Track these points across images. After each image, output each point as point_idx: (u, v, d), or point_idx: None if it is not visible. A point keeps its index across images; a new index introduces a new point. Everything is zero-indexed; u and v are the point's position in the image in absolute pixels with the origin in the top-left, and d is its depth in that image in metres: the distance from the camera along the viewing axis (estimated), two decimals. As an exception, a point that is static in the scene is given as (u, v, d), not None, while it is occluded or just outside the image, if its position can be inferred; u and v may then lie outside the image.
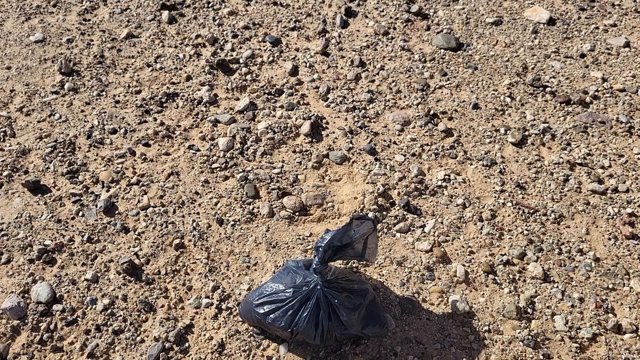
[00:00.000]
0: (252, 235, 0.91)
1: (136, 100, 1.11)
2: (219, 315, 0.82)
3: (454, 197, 0.96)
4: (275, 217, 0.93)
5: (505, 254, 0.88)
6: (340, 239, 0.70)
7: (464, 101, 1.12)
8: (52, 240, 0.89)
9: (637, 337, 0.79)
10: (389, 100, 1.12)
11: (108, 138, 1.05)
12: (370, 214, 0.92)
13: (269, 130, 1.05)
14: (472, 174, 0.99)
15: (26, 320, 0.81)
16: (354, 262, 0.86)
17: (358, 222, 0.70)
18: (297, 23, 1.28)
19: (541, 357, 0.77)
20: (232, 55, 1.21)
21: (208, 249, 0.89)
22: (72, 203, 0.95)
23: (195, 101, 1.11)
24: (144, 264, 0.87)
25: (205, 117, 1.09)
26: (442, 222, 0.92)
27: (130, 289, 0.84)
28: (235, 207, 0.94)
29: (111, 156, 1.02)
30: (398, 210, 0.94)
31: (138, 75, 1.17)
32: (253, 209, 0.94)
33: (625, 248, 0.89)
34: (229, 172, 1.00)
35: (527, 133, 1.06)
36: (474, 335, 0.79)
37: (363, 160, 1.01)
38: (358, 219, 0.70)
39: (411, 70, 1.18)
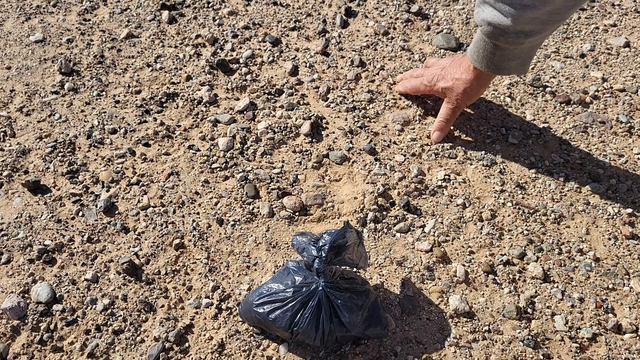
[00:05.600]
0: (252, 235, 0.91)
1: (136, 100, 1.11)
2: (219, 315, 0.82)
3: (454, 197, 0.96)
4: (275, 217, 0.93)
5: (505, 254, 0.88)
6: (339, 240, 0.70)
7: (464, 101, 1.12)
8: (52, 240, 0.89)
9: (637, 337, 0.79)
10: (389, 100, 1.12)
11: (108, 138, 1.05)
12: (370, 214, 0.92)
13: (269, 130, 1.05)
14: (472, 174, 0.99)
15: (26, 320, 0.81)
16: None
17: (349, 229, 0.71)
18: (297, 23, 1.28)
19: (541, 357, 0.77)
20: (232, 55, 1.21)
21: (208, 249, 0.89)
22: (72, 203, 0.95)
23: (195, 101, 1.11)
24: (144, 264, 0.87)
25: (205, 117, 1.09)
26: (442, 222, 0.92)
27: (130, 289, 0.84)
28: (235, 207, 0.94)
29: (111, 156, 1.02)
30: (398, 210, 0.94)
31: (138, 75, 1.17)
32: (253, 209, 0.94)
33: (625, 248, 0.89)
34: (229, 172, 1.00)
35: (527, 133, 1.06)
36: (474, 335, 0.79)
37: (363, 160, 1.01)
38: (349, 226, 0.71)
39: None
